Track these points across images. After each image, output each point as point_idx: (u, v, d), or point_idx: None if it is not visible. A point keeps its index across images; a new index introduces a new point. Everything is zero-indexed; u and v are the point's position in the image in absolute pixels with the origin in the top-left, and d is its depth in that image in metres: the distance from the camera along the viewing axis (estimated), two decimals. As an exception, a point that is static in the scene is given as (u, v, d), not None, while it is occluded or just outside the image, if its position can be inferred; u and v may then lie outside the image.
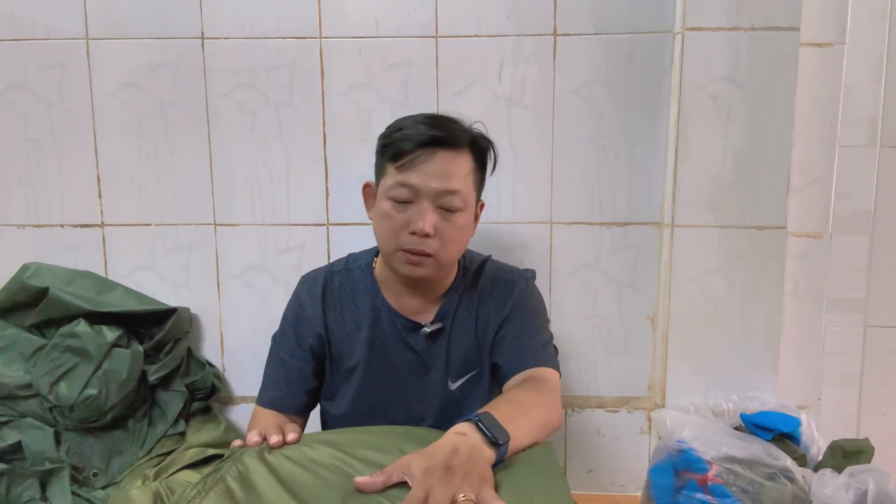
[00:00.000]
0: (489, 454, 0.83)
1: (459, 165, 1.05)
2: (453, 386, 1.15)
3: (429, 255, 1.04)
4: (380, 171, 1.10)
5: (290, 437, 0.93)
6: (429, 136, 1.02)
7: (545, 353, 1.12)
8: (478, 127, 1.12)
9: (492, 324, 1.15)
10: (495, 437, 0.84)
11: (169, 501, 0.79)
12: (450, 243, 1.05)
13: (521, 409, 0.95)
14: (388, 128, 1.09)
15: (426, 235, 1.02)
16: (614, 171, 1.46)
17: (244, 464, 0.86)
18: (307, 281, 1.20)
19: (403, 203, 1.04)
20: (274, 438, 0.92)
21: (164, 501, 0.79)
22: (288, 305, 1.20)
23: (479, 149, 1.10)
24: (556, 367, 1.12)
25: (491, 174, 1.16)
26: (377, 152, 1.11)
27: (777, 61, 1.34)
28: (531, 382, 1.06)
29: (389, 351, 1.15)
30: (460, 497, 0.73)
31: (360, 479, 0.79)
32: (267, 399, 1.16)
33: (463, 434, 0.84)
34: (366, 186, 1.16)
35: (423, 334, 1.14)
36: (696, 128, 1.37)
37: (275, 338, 1.20)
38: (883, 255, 1.47)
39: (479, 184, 1.12)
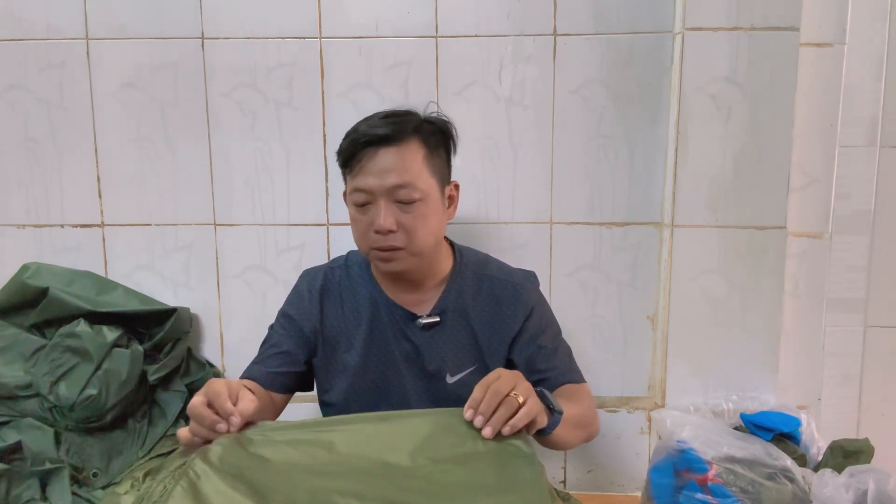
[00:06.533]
0: (543, 409, 0.95)
1: (406, 157, 1.05)
2: (452, 380, 1.16)
3: (398, 249, 1.07)
4: (343, 179, 1.13)
5: (237, 411, 0.89)
6: (367, 136, 1.05)
7: (576, 367, 1.20)
8: (432, 110, 1.13)
9: (505, 328, 1.16)
10: (552, 404, 0.98)
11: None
12: (416, 233, 1.06)
13: (572, 405, 1.06)
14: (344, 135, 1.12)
15: (389, 231, 1.05)
16: (614, 170, 1.46)
17: (208, 458, 0.83)
18: (308, 274, 1.22)
19: (364, 206, 1.07)
20: (220, 427, 0.88)
21: None
22: (288, 298, 1.21)
23: (428, 132, 1.10)
24: (584, 379, 1.20)
25: (455, 153, 1.16)
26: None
27: (777, 61, 1.34)
28: (580, 396, 1.14)
29: (387, 341, 1.15)
30: (513, 393, 0.89)
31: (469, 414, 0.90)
32: (245, 372, 1.15)
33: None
34: (344, 194, 1.17)
35: (419, 325, 1.14)
36: (696, 128, 1.37)
37: (271, 326, 1.21)
38: (883, 255, 1.46)
39: (439, 167, 1.11)
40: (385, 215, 1.04)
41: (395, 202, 1.05)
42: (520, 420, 0.88)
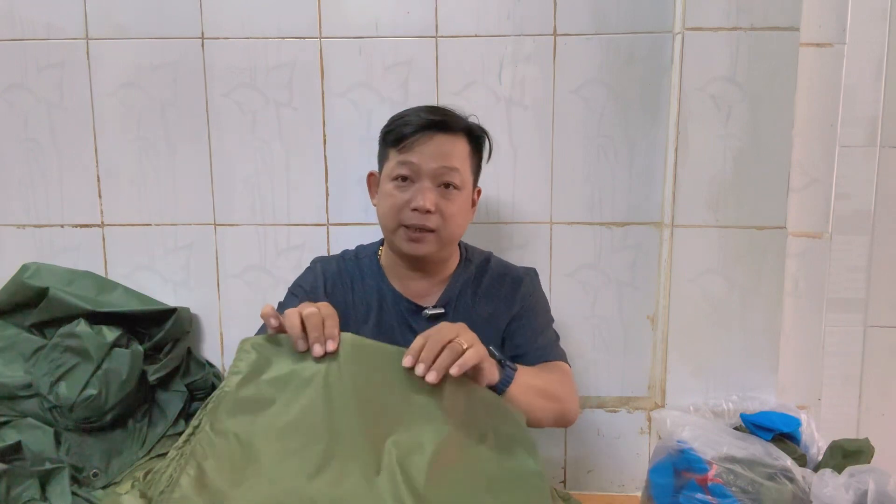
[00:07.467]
0: (493, 363, 0.95)
1: (457, 147, 1.12)
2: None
3: (430, 231, 1.10)
4: (383, 158, 1.17)
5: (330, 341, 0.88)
6: (427, 121, 1.10)
7: (560, 349, 1.20)
8: (473, 119, 1.18)
9: (501, 318, 1.19)
10: (501, 359, 0.98)
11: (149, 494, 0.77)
12: (450, 220, 1.11)
13: (538, 375, 1.07)
14: (390, 119, 1.17)
15: (427, 211, 1.08)
16: (614, 171, 1.46)
17: (209, 441, 0.79)
18: (321, 260, 1.25)
19: (405, 183, 1.10)
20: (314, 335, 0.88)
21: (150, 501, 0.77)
22: (301, 276, 1.23)
23: (474, 135, 1.17)
24: (568, 363, 1.20)
25: (487, 161, 1.21)
26: (380, 141, 1.18)
27: (777, 61, 1.34)
28: (552, 369, 1.14)
29: (394, 333, 1.17)
30: (456, 339, 0.89)
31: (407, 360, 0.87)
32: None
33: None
34: (370, 176, 1.23)
35: (425, 317, 1.17)
36: (696, 128, 1.37)
37: (281, 303, 1.19)
38: (883, 255, 1.46)
39: (476, 169, 1.19)
40: (428, 195, 1.08)
41: (437, 186, 1.10)
42: (468, 360, 0.87)
